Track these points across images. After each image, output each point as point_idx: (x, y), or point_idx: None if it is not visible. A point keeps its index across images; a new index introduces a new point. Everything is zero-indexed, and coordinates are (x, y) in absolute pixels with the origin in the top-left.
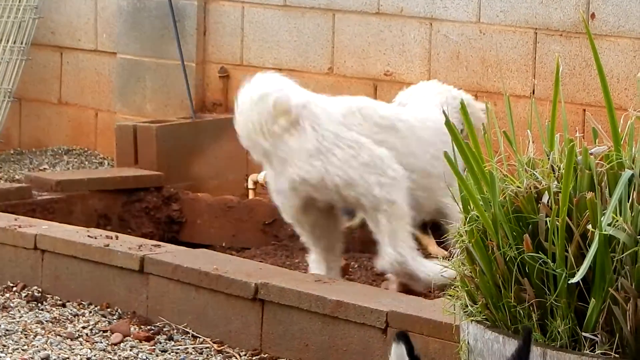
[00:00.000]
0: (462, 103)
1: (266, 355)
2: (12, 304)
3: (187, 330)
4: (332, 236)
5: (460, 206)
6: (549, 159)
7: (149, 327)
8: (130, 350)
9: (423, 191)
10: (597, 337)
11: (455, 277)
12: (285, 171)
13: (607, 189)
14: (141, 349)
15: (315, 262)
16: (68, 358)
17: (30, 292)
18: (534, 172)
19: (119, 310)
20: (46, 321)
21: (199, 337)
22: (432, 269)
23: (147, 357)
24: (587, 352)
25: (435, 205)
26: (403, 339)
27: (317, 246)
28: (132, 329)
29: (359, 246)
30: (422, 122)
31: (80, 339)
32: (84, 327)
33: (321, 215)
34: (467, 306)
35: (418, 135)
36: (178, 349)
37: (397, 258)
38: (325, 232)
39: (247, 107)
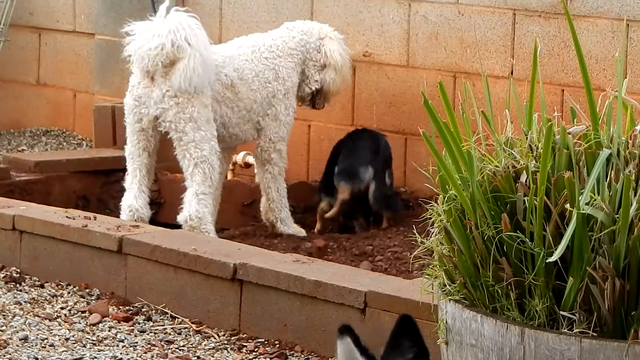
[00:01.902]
0: (440, 83)
1: (245, 335)
2: None
3: (166, 310)
4: None
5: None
6: (527, 138)
7: (127, 307)
8: (109, 330)
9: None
10: (575, 315)
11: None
12: None
13: (585, 168)
14: (120, 329)
15: None
16: (47, 339)
17: (8, 273)
18: (512, 152)
19: (98, 290)
20: (24, 302)
21: (178, 318)
22: None
23: (125, 338)
24: (565, 330)
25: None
26: (346, 331)
27: None
28: (110, 309)
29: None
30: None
31: (59, 320)
32: (62, 308)
33: None
34: (445, 285)
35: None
36: (157, 329)
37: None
38: None
39: None
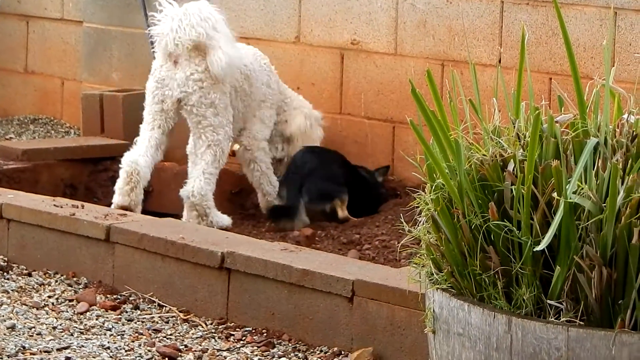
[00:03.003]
0: (428, 72)
1: (232, 324)
2: None
3: (153, 299)
4: None
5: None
6: (514, 127)
7: (115, 296)
8: (97, 319)
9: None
10: (562, 304)
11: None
12: None
13: (573, 157)
14: (107, 318)
15: None
16: (34, 327)
17: None
18: (500, 141)
19: (85, 279)
20: (12, 290)
21: (165, 306)
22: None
23: (113, 326)
24: (552, 319)
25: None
26: None
27: None
28: (98, 298)
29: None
30: None
31: (46, 308)
32: (49, 297)
33: None
34: (432, 274)
35: None
36: (144, 318)
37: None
38: None
39: None
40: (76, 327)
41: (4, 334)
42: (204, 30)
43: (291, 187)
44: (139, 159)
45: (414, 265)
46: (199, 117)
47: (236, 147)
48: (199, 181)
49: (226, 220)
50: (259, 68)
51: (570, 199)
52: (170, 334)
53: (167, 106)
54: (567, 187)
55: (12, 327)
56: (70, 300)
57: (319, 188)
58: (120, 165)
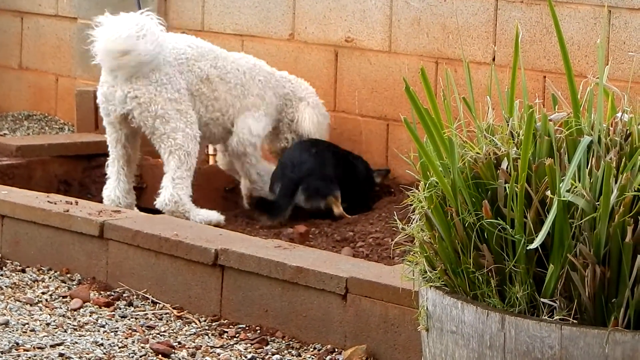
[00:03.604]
0: (422, 70)
1: (226, 321)
2: None
3: (147, 296)
4: None
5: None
6: (508, 125)
7: (108, 292)
8: (90, 315)
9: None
10: (556, 302)
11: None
12: None
13: (566, 155)
14: (101, 314)
15: None
16: (27, 323)
17: None
18: (493, 139)
19: (79, 275)
20: (5, 286)
21: (159, 303)
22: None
23: (106, 323)
24: (546, 317)
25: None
26: None
27: None
28: (91, 294)
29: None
30: None
31: (40, 305)
32: (43, 293)
33: None
34: (426, 272)
35: None
36: (138, 314)
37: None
38: None
39: None
40: (70, 324)
41: None
42: (130, 38)
43: (285, 187)
44: (115, 192)
45: (407, 263)
46: (149, 129)
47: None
48: (169, 189)
49: (214, 216)
50: (240, 75)
51: (563, 197)
52: (164, 331)
53: (113, 120)
54: (560, 185)
55: (6, 324)
56: (64, 297)
57: (314, 187)
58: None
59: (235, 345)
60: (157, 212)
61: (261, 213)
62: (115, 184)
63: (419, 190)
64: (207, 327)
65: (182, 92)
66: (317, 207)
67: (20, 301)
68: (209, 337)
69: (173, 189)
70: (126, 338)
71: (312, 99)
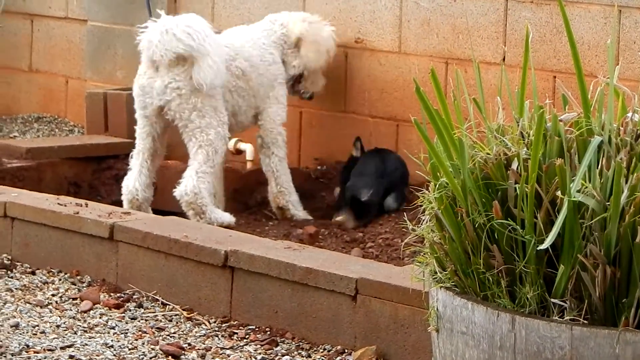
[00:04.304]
0: (432, 70)
1: (236, 322)
2: None
3: (157, 297)
4: None
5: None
6: (518, 125)
7: (118, 294)
8: (100, 317)
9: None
10: (566, 303)
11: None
12: None
13: (577, 155)
14: (111, 316)
15: None
16: (38, 326)
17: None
18: (504, 139)
19: (89, 277)
20: (16, 289)
21: (169, 305)
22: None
23: (116, 325)
24: (556, 318)
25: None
26: None
27: None
28: (101, 296)
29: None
30: None
31: (50, 307)
32: (53, 295)
33: None
34: (436, 273)
35: None
36: (148, 316)
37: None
38: None
39: None
40: (80, 326)
41: (8, 333)
42: (190, 43)
43: (376, 191)
44: (134, 183)
45: (417, 263)
46: (184, 122)
47: (241, 145)
48: (191, 180)
49: (227, 217)
50: (258, 53)
51: (574, 197)
52: (174, 333)
53: (149, 113)
54: (571, 185)
55: (16, 326)
56: (74, 299)
57: (403, 195)
58: (117, 197)
59: (245, 346)
60: (167, 213)
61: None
62: (137, 176)
63: (429, 191)
64: (217, 329)
65: (219, 91)
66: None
67: (31, 303)
68: (219, 339)
69: (196, 181)
70: (136, 340)
71: (310, 18)
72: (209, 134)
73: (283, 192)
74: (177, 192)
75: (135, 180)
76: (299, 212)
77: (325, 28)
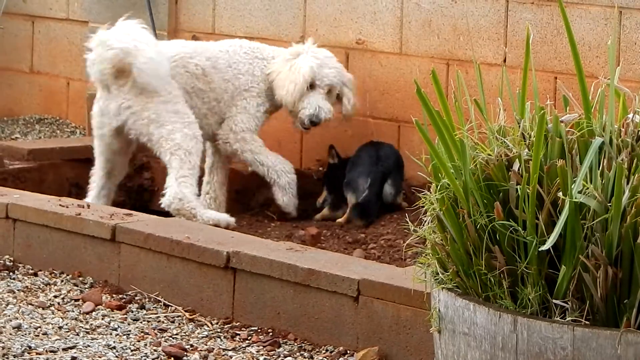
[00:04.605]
0: (433, 72)
1: (238, 323)
2: None
3: (159, 298)
4: None
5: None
6: (519, 126)
7: (120, 295)
8: (102, 319)
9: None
10: (568, 304)
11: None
12: None
13: (578, 156)
14: (113, 317)
15: None
16: (40, 327)
17: (1, 262)
18: (505, 140)
19: (91, 279)
20: (18, 290)
21: (171, 306)
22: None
23: (119, 326)
24: (558, 319)
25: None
26: None
27: None
28: (104, 297)
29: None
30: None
31: (52, 308)
32: (55, 296)
33: None
34: (438, 274)
35: None
36: (150, 317)
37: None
38: None
39: None
40: (82, 327)
41: (10, 334)
42: (119, 46)
43: (373, 185)
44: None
45: (419, 264)
46: (146, 136)
47: None
48: (173, 188)
49: (223, 217)
50: (231, 59)
51: (575, 198)
52: (176, 334)
53: (105, 132)
54: (572, 186)
55: (18, 327)
56: (76, 300)
57: (399, 183)
58: None
59: (247, 347)
60: (169, 214)
61: (357, 218)
62: (95, 198)
63: (430, 192)
64: (219, 330)
65: (175, 94)
66: (396, 202)
67: (33, 305)
68: (221, 340)
69: (177, 187)
70: (138, 341)
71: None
72: (174, 139)
73: (270, 177)
74: (163, 203)
75: (93, 201)
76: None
77: (303, 65)
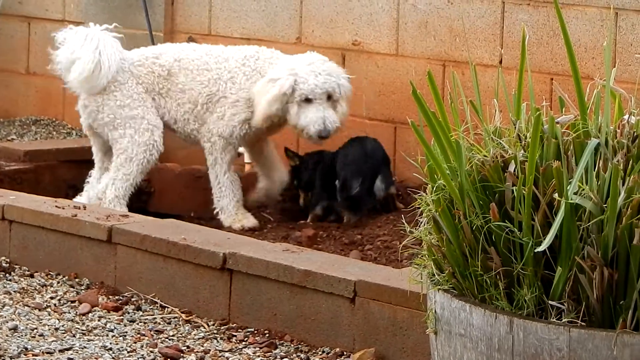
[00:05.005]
0: (429, 73)
1: (234, 324)
2: None
3: (155, 300)
4: None
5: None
6: (515, 128)
7: (117, 297)
8: (99, 320)
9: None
10: (564, 305)
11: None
12: None
13: (574, 157)
14: (109, 319)
15: None
16: (36, 328)
17: None
18: (501, 141)
19: (87, 280)
20: (14, 292)
21: (167, 307)
22: None
23: (115, 327)
24: (554, 320)
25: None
26: None
27: None
28: (100, 299)
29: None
30: None
31: (49, 310)
32: (52, 298)
33: None
34: (434, 275)
35: None
36: (146, 319)
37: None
38: None
39: None
40: (78, 328)
41: (7, 335)
42: (58, 53)
43: (365, 181)
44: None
45: (415, 266)
46: (106, 136)
47: (240, 148)
48: (101, 186)
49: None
50: (208, 63)
51: (571, 199)
52: (173, 335)
53: (85, 128)
54: (568, 188)
55: (15, 329)
56: (73, 302)
57: (389, 176)
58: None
59: (243, 349)
60: (165, 216)
61: (348, 211)
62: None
63: (426, 194)
64: (215, 331)
65: (136, 99)
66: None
67: (29, 306)
68: (218, 341)
69: (104, 186)
70: (135, 342)
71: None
72: (122, 142)
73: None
74: (84, 197)
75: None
76: (226, 218)
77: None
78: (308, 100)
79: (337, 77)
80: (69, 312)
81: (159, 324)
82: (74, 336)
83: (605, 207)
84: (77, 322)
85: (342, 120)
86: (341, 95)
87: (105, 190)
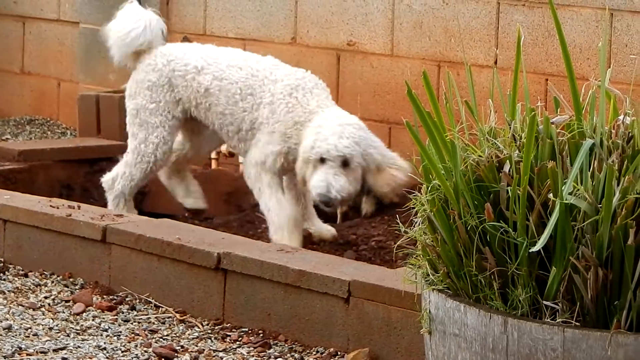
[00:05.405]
0: (424, 73)
1: (228, 324)
2: None
3: (150, 300)
4: None
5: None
6: (510, 128)
7: (111, 297)
8: (93, 320)
9: None
10: (558, 305)
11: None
12: None
13: (569, 158)
14: (104, 318)
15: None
16: (30, 328)
17: None
18: (496, 142)
19: (82, 280)
20: (8, 291)
21: (162, 307)
22: None
23: (109, 327)
24: (548, 320)
25: None
26: None
27: None
28: (94, 298)
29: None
30: None
31: (43, 309)
32: (46, 297)
33: None
34: (428, 275)
35: None
36: (141, 318)
37: None
38: None
39: None
40: (72, 328)
41: (1, 335)
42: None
43: None
44: None
45: (410, 266)
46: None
47: (224, 147)
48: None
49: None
50: (247, 81)
51: (566, 200)
52: (167, 335)
53: None
54: (562, 188)
55: (9, 328)
56: (67, 301)
57: None
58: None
59: (237, 349)
60: (160, 216)
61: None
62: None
63: (421, 194)
64: (209, 331)
65: (148, 107)
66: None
67: (23, 306)
68: (212, 341)
69: (115, 171)
70: (129, 342)
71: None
72: (132, 142)
73: None
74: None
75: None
76: None
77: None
78: (322, 161)
79: (366, 147)
80: (63, 312)
81: (153, 323)
82: (68, 336)
83: (600, 207)
84: (72, 322)
85: (352, 192)
86: (368, 166)
87: (116, 176)
